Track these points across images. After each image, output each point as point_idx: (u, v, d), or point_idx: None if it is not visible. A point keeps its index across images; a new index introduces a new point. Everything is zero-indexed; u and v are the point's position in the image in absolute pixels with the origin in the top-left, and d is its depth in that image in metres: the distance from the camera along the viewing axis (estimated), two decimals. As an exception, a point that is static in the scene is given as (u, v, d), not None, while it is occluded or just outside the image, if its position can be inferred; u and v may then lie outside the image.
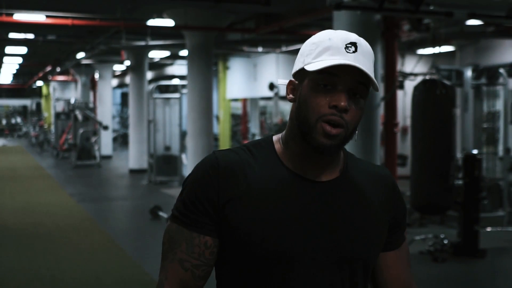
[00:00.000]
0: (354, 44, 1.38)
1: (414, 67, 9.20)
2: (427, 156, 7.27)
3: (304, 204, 1.39)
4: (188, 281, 1.43)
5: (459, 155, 8.67)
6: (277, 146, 1.47)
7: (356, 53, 1.36)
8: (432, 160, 7.24)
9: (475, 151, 8.17)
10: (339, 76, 1.35)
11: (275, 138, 1.49)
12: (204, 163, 1.44)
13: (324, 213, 1.40)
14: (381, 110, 7.18)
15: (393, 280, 1.54)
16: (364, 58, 1.37)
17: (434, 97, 7.19)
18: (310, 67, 1.36)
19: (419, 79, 9.99)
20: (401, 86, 9.79)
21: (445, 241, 7.36)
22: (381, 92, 7.23)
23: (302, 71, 1.41)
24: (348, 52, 1.36)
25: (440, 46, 8.08)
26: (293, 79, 1.45)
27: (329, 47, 1.37)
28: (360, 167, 1.52)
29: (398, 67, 7.90)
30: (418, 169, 7.41)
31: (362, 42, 1.40)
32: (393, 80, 7.34)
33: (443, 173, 7.21)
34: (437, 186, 7.23)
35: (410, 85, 10.62)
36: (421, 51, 12.82)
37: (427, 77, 7.56)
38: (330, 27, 8.20)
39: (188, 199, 1.43)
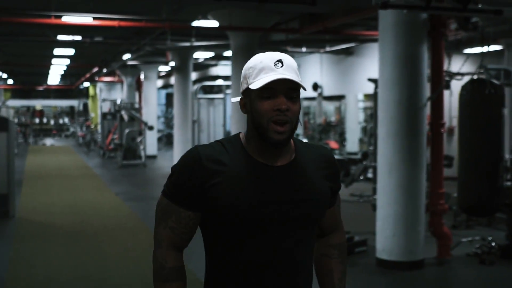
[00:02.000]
0: (280, 61, 1.85)
1: (461, 66, 9.04)
2: (475, 156, 7.15)
3: (266, 182, 1.88)
4: (177, 242, 1.95)
5: (507, 156, 8.50)
6: (243, 142, 1.95)
7: (283, 67, 1.84)
8: (480, 161, 7.11)
9: (524, 152, 8.00)
10: (276, 87, 1.82)
11: (241, 135, 1.97)
12: (189, 155, 1.92)
13: (282, 187, 1.89)
14: (427, 110, 7.08)
15: (328, 225, 2.13)
16: (290, 69, 1.85)
17: (483, 96, 7.07)
18: (254, 86, 1.83)
19: (465, 78, 9.83)
20: (447, 86, 9.64)
21: (493, 244, 7.23)
22: (427, 92, 7.13)
23: (248, 90, 1.88)
24: (277, 68, 1.84)
25: (488, 45, 7.93)
26: (242, 96, 1.93)
27: (263, 68, 1.84)
28: (307, 150, 2.00)
29: (445, 66, 7.77)
30: (465, 170, 7.29)
31: (286, 58, 1.87)
32: (439, 80, 7.23)
33: (491, 174, 7.08)
34: (485, 188, 7.10)
35: (456, 85, 10.45)
36: (468, 51, 12.60)
37: (475, 76, 7.43)
38: (375, 26, 8.13)
39: (177, 182, 1.92)
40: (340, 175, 2.11)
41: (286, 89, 1.83)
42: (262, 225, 1.86)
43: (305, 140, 19.46)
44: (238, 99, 1.95)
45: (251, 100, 1.88)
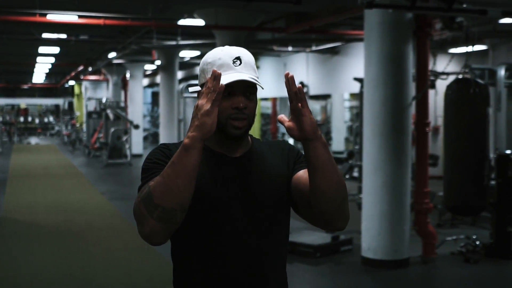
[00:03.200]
0: (238, 58, 1.88)
1: (446, 66, 9.09)
2: (460, 156, 7.19)
3: (226, 171, 1.94)
4: None
5: (492, 155, 8.56)
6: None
7: (241, 65, 1.88)
8: (465, 160, 7.16)
9: (508, 151, 8.05)
10: (234, 86, 1.86)
11: None
12: (157, 147, 1.97)
13: (241, 175, 1.95)
14: (412, 110, 7.11)
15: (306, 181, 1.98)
16: (248, 67, 1.89)
17: (468, 96, 7.11)
18: None
19: (451, 78, 9.89)
20: (433, 86, 9.69)
21: (477, 242, 7.28)
22: (412, 91, 7.16)
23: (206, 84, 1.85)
24: (236, 66, 1.87)
25: (473, 45, 7.98)
26: (200, 89, 1.93)
27: (222, 65, 1.87)
28: (262, 143, 2.08)
29: (430, 66, 7.81)
30: (451, 169, 7.33)
31: (244, 55, 1.90)
32: (424, 79, 7.27)
33: (476, 173, 7.13)
34: (471, 187, 7.15)
35: (441, 84, 10.51)
36: (453, 50, 12.68)
37: (460, 76, 7.47)
38: (361, 26, 8.15)
39: (149, 164, 1.90)
40: (298, 149, 2.10)
41: (244, 87, 1.88)
42: (224, 212, 1.90)
43: (290, 140, 19.42)
44: (196, 89, 1.96)
45: None
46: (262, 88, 1.94)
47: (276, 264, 1.98)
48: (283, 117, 1.84)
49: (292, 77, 1.80)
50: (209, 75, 1.86)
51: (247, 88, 1.89)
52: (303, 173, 1.98)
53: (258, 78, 1.92)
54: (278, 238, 1.99)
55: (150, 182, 1.80)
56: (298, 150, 2.09)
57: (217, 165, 1.95)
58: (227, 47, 1.94)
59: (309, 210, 1.93)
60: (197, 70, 21.16)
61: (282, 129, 22.15)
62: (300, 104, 1.79)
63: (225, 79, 1.82)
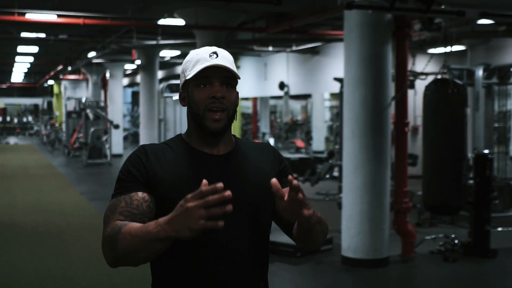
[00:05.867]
0: (215, 52, 1.88)
1: (425, 66, 9.16)
2: (438, 156, 7.26)
3: (208, 171, 1.87)
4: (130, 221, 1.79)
5: (470, 154, 8.65)
6: (185, 137, 1.97)
7: (218, 58, 1.87)
8: (444, 160, 7.22)
9: (486, 151, 8.14)
10: (211, 76, 1.86)
11: (182, 134, 2.00)
12: (135, 151, 1.93)
13: (223, 175, 1.85)
14: (391, 110, 7.16)
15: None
16: (224, 60, 1.87)
17: (446, 96, 7.17)
18: (189, 76, 1.88)
19: (430, 78, 9.96)
20: (412, 86, 9.76)
21: (456, 241, 7.35)
22: (392, 92, 7.22)
23: (186, 83, 1.93)
24: (212, 58, 1.87)
25: (451, 45, 8.04)
26: (181, 91, 1.97)
27: (198, 60, 1.88)
28: (247, 144, 2.03)
29: (409, 66, 7.87)
30: (429, 169, 7.39)
31: (221, 50, 1.90)
32: (404, 79, 7.32)
33: (454, 173, 7.19)
34: (449, 186, 7.21)
35: (420, 84, 10.58)
36: (432, 51, 12.77)
37: (439, 76, 7.53)
38: (341, 26, 8.19)
39: (124, 173, 1.87)
40: (283, 157, 2.08)
41: (222, 77, 1.86)
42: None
43: (271, 139, 19.42)
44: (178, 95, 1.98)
45: (189, 92, 1.92)
46: (239, 78, 1.91)
47: (256, 266, 1.95)
48: (276, 184, 1.70)
49: (298, 186, 1.68)
50: (187, 72, 1.90)
51: (225, 80, 1.88)
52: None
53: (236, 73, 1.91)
54: (259, 241, 1.95)
55: (120, 224, 1.74)
56: (282, 158, 2.07)
57: (198, 164, 1.90)
58: (206, 47, 1.95)
59: (288, 232, 2.01)
60: (178, 69, 21.21)
61: (263, 128, 22.17)
62: (305, 210, 1.71)
63: (200, 67, 1.85)
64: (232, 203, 1.71)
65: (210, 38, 11.97)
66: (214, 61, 1.85)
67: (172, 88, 18.07)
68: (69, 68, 22.28)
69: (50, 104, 40.84)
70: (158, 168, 1.87)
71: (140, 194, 1.83)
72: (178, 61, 21.09)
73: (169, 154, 1.92)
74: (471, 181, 7.82)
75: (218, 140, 1.92)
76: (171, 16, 11.83)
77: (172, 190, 1.83)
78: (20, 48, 18.04)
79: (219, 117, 1.85)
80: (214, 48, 1.91)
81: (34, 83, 36.02)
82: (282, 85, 18.41)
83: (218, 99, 1.85)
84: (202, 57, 1.88)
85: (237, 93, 1.94)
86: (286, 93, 18.56)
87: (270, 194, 1.84)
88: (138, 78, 20.96)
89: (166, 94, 14.84)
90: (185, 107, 1.98)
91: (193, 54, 1.93)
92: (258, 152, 2.02)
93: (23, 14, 10.67)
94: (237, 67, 20.56)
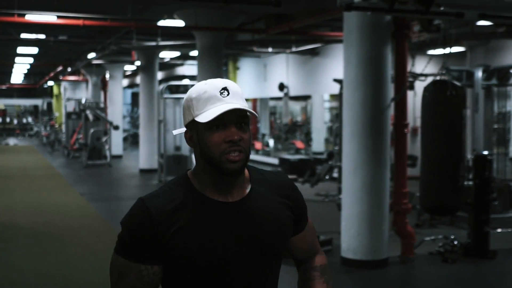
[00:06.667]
0: (225, 88, 1.72)
1: (424, 67, 9.17)
2: (437, 157, 7.26)
3: (225, 221, 1.75)
4: None
5: (469, 156, 8.65)
6: (194, 181, 1.79)
7: (229, 95, 1.72)
8: (442, 161, 7.22)
9: (485, 152, 8.15)
10: (225, 117, 1.70)
11: (189, 174, 1.82)
12: (136, 210, 1.74)
13: (241, 224, 1.76)
14: (391, 111, 7.17)
15: (304, 251, 2.02)
16: (236, 97, 1.73)
17: (445, 97, 7.17)
18: (202, 119, 1.70)
19: (429, 79, 9.97)
20: (411, 87, 9.75)
21: (455, 242, 7.35)
22: (391, 93, 7.23)
23: (193, 122, 1.75)
24: (223, 97, 1.71)
25: (450, 46, 8.05)
26: (187, 129, 1.79)
27: (209, 98, 1.71)
28: (262, 179, 1.88)
29: (409, 67, 7.87)
30: (428, 170, 7.40)
31: (230, 85, 1.74)
32: (403, 81, 7.32)
33: (453, 174, 7.20)
34: (447, 187, 7.21)
35: (420, 85, 10.59)
36: (431, 52, 12.78)
37: (438, 77, 7.54)
38: (340, 27, 8.20)
39: (130, 239, 1.72)
40: (303, 199, 1.98)
41: (236, 118, 1.72)
42: (224, 267, 1.74)
43: (271, 140, 19.39)
44: (182, 131, 1.82)
45: (198, 133, 1.75)
46: (255, 115, 1.79)
47: None
48: None
49: None
50: (196, 112, 1.73)
51: (239, 119, 1.72)
52: (300, 236, 1.98)
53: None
54: (272, 284, 1.88)
55: None
56: (302, 200, 1.97)
57: (215, 214, 1.75)
58: (210, 79, 1.78)
59: (294, 262, 2.08)
60: (177, 71, 21.20)
61: (263, 130, 22.18)
62: None
63: (215, 111, 1.69)
64: (249, 253, 1.76)
65: (210, 39, 11.99)
66: (228, 102, 1.70)
67: (172, 89, 18.07)
68: (69, 69, 22.30)
69: (50, 105, 40.84)
70: (165, 229, 1.71)
71: (150, 268, 1.73)
72: (178, 62, 21.11)
73: (176, 207, 1.74)
74: (470, 182, 7.82)
75: (232, 183, 1.78)
76: (171, 17, 11.85)
77: (185, 249, 1.72)
78: (20, 49, 18.06)
79: (238, 158, 1.71)
80: (223, 82, 1.74)
81: (34, 84, 36.05)
82: (281, 86, 18.43)
83: (235, 142, 1.71)
84: (212, 95, 1.71)
85: (251, 130, 1.81)
86: (286, 94, 18.58)
87: (285, 240, 1.88)
88: (138, 79, 20.97)
89: (165, 95, 14.84)
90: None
91: (200, 89, 1.75)
92: (275, 191, 1.88)
93: (23, 15, 10.68)
94: (237, 68, 20.60)
